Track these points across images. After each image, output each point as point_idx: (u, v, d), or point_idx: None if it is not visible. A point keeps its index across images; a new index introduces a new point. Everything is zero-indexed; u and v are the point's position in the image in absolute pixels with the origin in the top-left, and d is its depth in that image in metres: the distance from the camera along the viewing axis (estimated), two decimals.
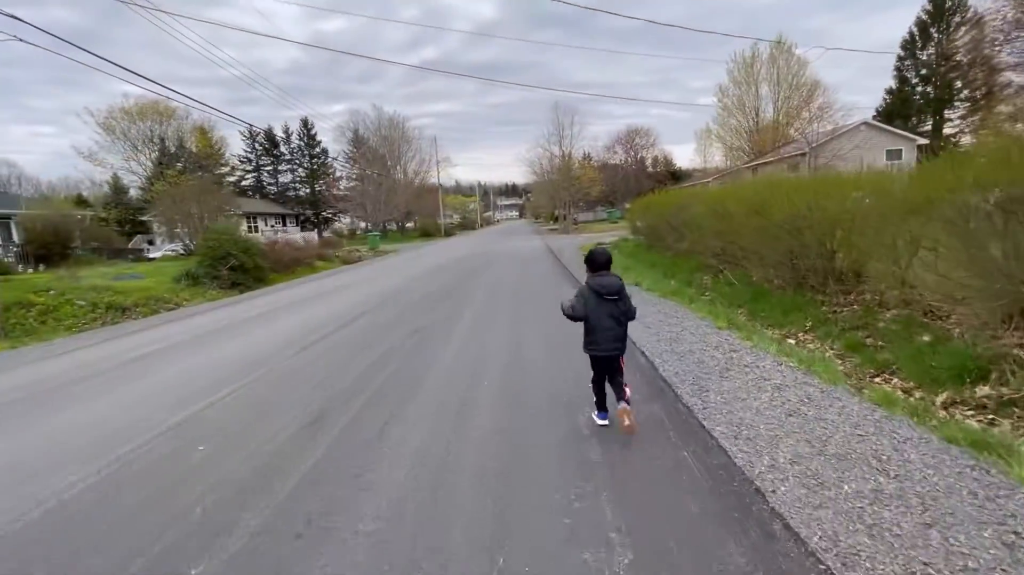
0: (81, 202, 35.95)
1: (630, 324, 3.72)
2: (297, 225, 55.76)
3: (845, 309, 6.45)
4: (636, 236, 21.67)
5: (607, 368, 3.69)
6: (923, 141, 35.80)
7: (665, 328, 6.49)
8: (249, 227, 44.72)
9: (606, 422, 3.71)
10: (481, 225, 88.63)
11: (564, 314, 3.76)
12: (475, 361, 5.63)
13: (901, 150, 35.44)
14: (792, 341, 6.17)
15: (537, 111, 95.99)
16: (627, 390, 3.66)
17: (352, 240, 32.20)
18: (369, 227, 51.71)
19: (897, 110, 47.46)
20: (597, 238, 25.88)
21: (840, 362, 5.18)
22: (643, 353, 5.56)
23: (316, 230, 53.78)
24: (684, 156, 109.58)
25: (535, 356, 5.72)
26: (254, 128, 55.62)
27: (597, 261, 3.79)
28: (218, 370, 6.03)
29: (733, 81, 48.92)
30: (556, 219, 52.33)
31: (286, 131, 58.59)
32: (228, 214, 28.01)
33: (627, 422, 3.39)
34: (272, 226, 49.11)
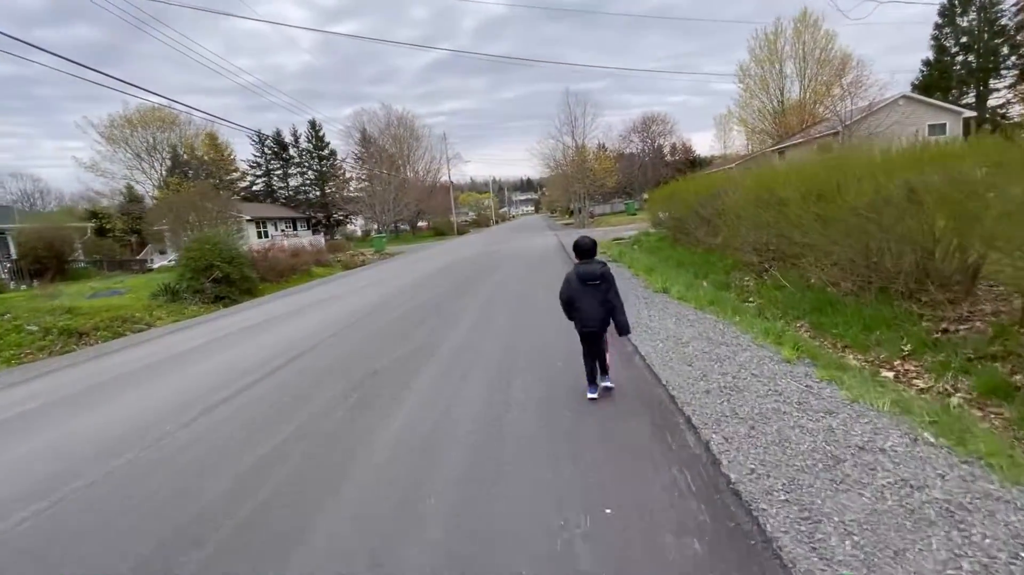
0: (94, 214, 35.58)
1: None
2: (308, 229, 55.07)
3: (961, 327, 4.69)
4: (658, 229, 19.82)
5: (594, 342, 4.13)
6: (969, 114, 32.92)
7: (714, 366, 4.65)
8: (258, 232, 44.06)
9: (595, 395, 4.16)
10: (496, 221, 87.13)
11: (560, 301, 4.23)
12: (424, 450, 3.60)
13: (945, 124, 32.67)
14: (889, 373, 4.44)
15: (550, 105, 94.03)
16: (609, 357, 4.35)
17: (362, 243, 31.04)
18: (379, 228, 50.66)
19: (935, 82, 44.26)
20: (614, 232, 24.05)
21: (982, 414, 3.47)
22: (692, 424, 3.51)
23: (325, 233, 52.98)
24: (703, 143, 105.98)
25: (523, 448, 3.47)
26: (262, 133, 55.08)
27: (582, 249, 4.16)
28: (73, 455, 4.21)
29: (755, 60, 46.19)
30: (571, 213, 50.44)
31: (294, 134, 57.87)
32: (229, 219, 27.06)
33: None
34: (282, 230, 48.36)
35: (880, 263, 5.60)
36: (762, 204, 8.19)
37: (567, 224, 45.09)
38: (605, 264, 4.11)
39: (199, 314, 12.84)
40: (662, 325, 6.14)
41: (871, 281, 5.73)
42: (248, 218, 42.36)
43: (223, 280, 14.43)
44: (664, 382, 4.32)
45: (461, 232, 55.89)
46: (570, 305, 4.09)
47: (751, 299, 7.96)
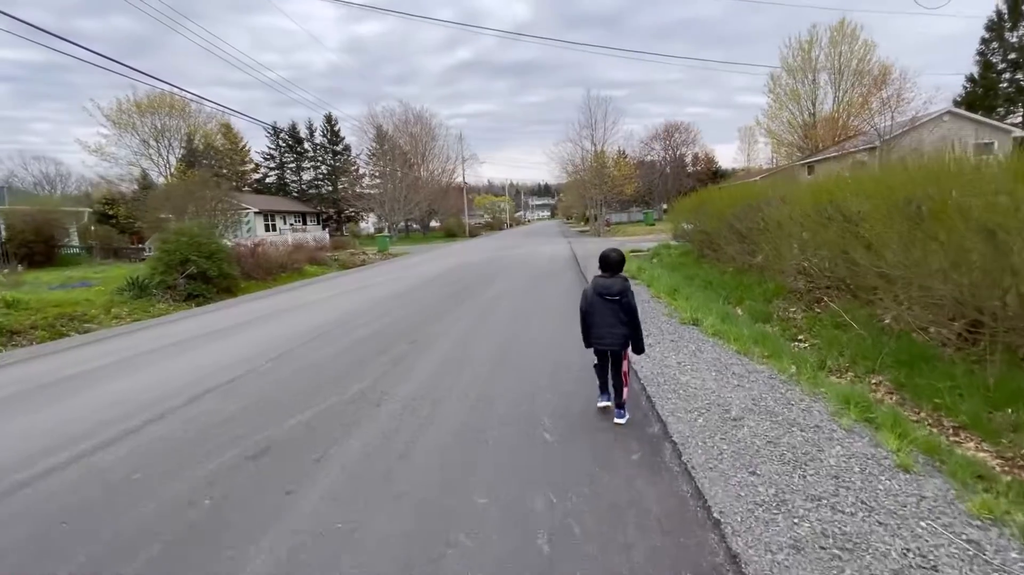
0: (107, 200, 34.90)
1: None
2: (318, 224, 54.28)
3: None
4: (680, 242, 18.16)
5: (608, 360, 3.88)
6: (1020, 133, 30.69)
7: (793, 476, 2.89)
8: (266, 225, 43.27)
9: (607, 403, 3.99)
10: (511, 225, 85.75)
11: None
12: None
13: (993, 143, 30.45)
14: None
15: (572, 111, 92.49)
16: (626, 391, 3.87)
17: (370, 241, 29.80)
18: (388, 227, 49.57)
19: (979, 100, 41.88)
20: (632, 243, 22.42)
21: None
22: None
23: (335, 229, 52.14)
24: (725, 156, 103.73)
25: None
26: (277, 126, 54.52)
27: (608, 261, 3.83)
28: None
29: (787, 69, 44.26)
30: (587, 220, 48.80)
31: (310, 128, 57.24)
32: (228, 210, 26.03)
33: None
34: (291, 224, 47.57)
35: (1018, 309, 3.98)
36: (821, 219, 6.58)
37: (582, 231, 43.47)
38: (627, 279, 3.82)
39: (165, 313, 11.55)
40: (698, 382, 4.54)
41: (993, 335, 4.11)
42: (256, 210, 41.59)
43: (199, 276, 13.14)
44: (717, 515, 2.58)
45: (473, 234, 54.60)
46: (585, 319, 3.83)
47: (800, 338, 6.37)
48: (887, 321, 5.59)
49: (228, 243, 16.23)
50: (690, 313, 6.82)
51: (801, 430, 3.46)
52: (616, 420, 3.78)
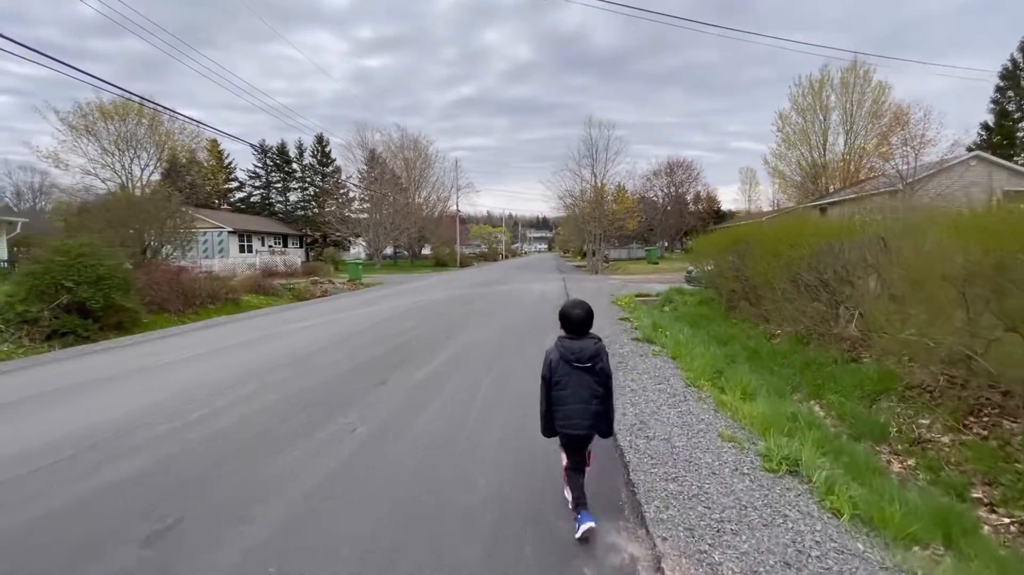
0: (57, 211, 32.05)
1: None
2: (301, 247, 51.46)
3: None
4: (694, 286, 15.23)
5: (578, 447, 2.91)
6: None
7: None
8: (241, 246, 40.35)
9: (592, 524, 2.65)
10: (506, 256, 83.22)
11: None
12: None
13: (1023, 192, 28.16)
14: None
15: (570, 147, 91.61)
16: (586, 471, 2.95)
17: (353, 267, 26.78)
18: (373, 253, 46.79)
19: (996, 148, 40.26)
20: (635, 284, 19.48)
21: None
22: None
23: (316, 254, 49.30)
24: (724, 198, 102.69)
25: None
26: (264, 143, 52.36)
27: (572, 321, 2.87)
28: None
29: (797, 109, 42.61)
30: (584, 255, 46.14)
31: (299, 148, 55.12)
32: (183, 227, 23.09)
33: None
34: (270, 246, 44.72)
35: None
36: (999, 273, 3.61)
37: (578, 267, 40.68)
38: (600, 340, 2.88)
39: (8, 357, 8.37)
40: None
41: None
42: (230, 230, 38.75)
43: (75, 308, 10.00)
44: None
45: (464, 264, 51.79)
46: (549, 394, 2.83)
47: (971, 483, 3.33)
48: None
49: (129, 265, 13.15)
50: (772, 441, 3.69)
51: None
52: (583, 526, 2.64)
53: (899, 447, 4.49)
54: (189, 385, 5.61)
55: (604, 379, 2.82)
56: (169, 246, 22.55)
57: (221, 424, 4.36)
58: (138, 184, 30.70)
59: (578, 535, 2.66)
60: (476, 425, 4.16)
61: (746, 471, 3.18)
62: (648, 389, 4.97)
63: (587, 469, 2.95)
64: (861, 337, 5.55)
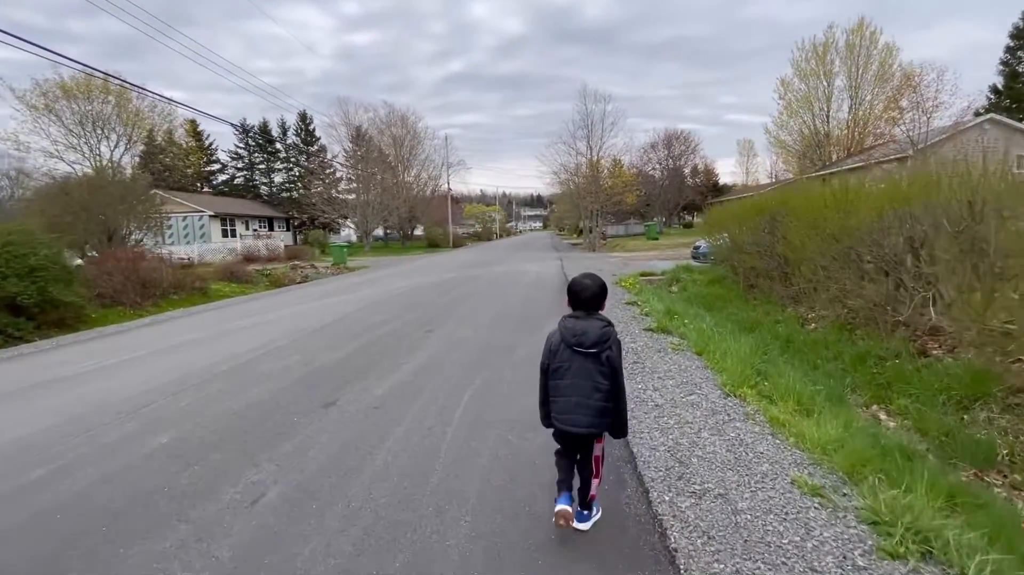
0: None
1: None
2: (288, 229, 49.83)
3: None
4: (702, 262, 14.04)
5: (575, 450, 2.49)
6: None
7: None
8: (224, 231, 38.74)
9: (565, 506, 2.37)
10: (500, 236, 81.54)
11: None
12: None
13: None
14: None
15: (563, 122, 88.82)
16: (596, 483, 2.51)
17: (339, 249, 25.34)
18: (362, 235, 45.28)
19: (1004, 113, 38.82)
20: (636, 262, 18.27)
21: None
22: None
23: (294, 237, 47.78)
24: (720, 171, 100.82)
25: None
26: (246, 123, 50.17)
27: (579, 296, 2.44)
28: None
29: (799, 74, 40.85)
30: (580, 232, 44.75)
31: (282, 127, 52.94)
32: (152, 211, 21.62)
33: (562, 522, 2.35)
34: (254, 230, 43.12)
35: None
36: None
37: (574, 245, 39.32)
38: (610, 324, 2.40)
39: None
40: None
41: None
42: (211, 213, 37.08)
43: (6, 305, 8.75)
44: None
45: (457, 244, 50.38)
46: (547, 382, 2.43)
47: None
48: None
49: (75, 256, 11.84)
50: (871, 491, 2.52)
51: None
52: (576, 525, 2.44)
53: (1017, 477, 3.37)
54: (76, 411, 4.35)
55: (610, 371, 2.32)
56: (138, 232, 21.13)
57: (58, 497, 2.91)
58: (108, 166, 28.90)
59: (556, 509, 2.35)
60: (447, 478, 2.93)
61: (860, 562, 2.01)
62: (678, 403, 3.80)
63: (595, 481, 2.49)
64: (931, 326, 4.38)
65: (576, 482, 2.50)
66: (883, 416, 4.52)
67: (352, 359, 5.71)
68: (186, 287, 13.37)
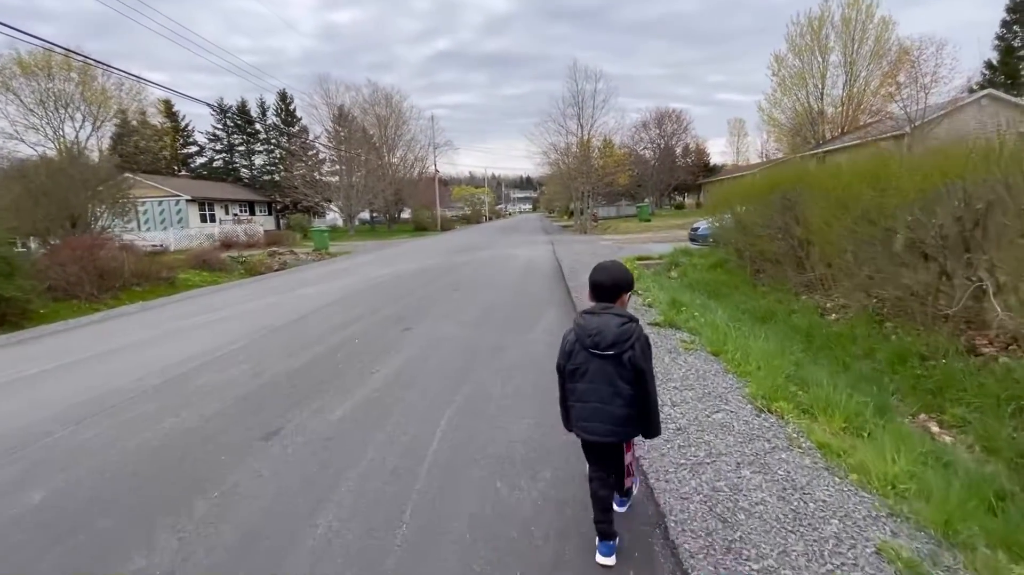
0: None
1: None
2: (271, 214, 48.33)
3: None
4: (701, 244, 13.35)
5: (604, 457, 2.15)
6: None
7: None
8: (202, 215, 37.29)
9: (611, 561, 2.04)
10: (489, 218, 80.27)
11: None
12: None
13: None
14: None
15: (553, 102, 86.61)
16: (630, 481, 2.31)
17: (321, 234, 24.25)
18: (347, 219, 44.06)
19: (998, 89, 38.36)
20: (632, 246, 17.56)
21: None
22: None
23: (277, 221, 46.43)
24: (711, 151, 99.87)
25: None
26: (223, 103, 48.14)
27: (601, 283, 2.11)
28: None
29: (794, 50, 39.97)
30: (571, 214, 43.86)
31: (261, 107, 50.94)
32: (119, 195, 20.41)
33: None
34: (235, 215, 41.61)
35: None
36: None
37: (565, 227, 38.46)
38: (632, 320, 2.03)
39: None
40: None
41: None
42: (188, 198, 35.60)
43: None
44: None
45: (445, 228, 49.31)
46: (564, 386, 2.17)
47: None
48: None
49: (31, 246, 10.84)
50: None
51: None
52: (617, 507, 2.29)
53: None
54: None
55: (636, 375, 1.99)
56: (106, 218, 19.94)
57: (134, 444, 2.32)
58: (73, 148, 27.35)
59: (599, 562, 2.05)
60: (411, 558, 2.16)
61: None
62: (704, 424, 3.09)
63: (631, 489, 2.29)
64: (978, 321, 3.72)
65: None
66: (935, 428, 3.87)
67: (312, 368, 4.90)
68: (151, 277, 12.41)
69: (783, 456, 2.72)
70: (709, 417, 3.21)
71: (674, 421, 3.17)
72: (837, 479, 2.52)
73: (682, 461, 2.68)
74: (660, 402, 3.51)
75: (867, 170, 4.79)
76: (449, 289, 9.59)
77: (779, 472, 2.55)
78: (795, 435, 3.00)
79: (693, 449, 2.81)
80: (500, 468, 2.81)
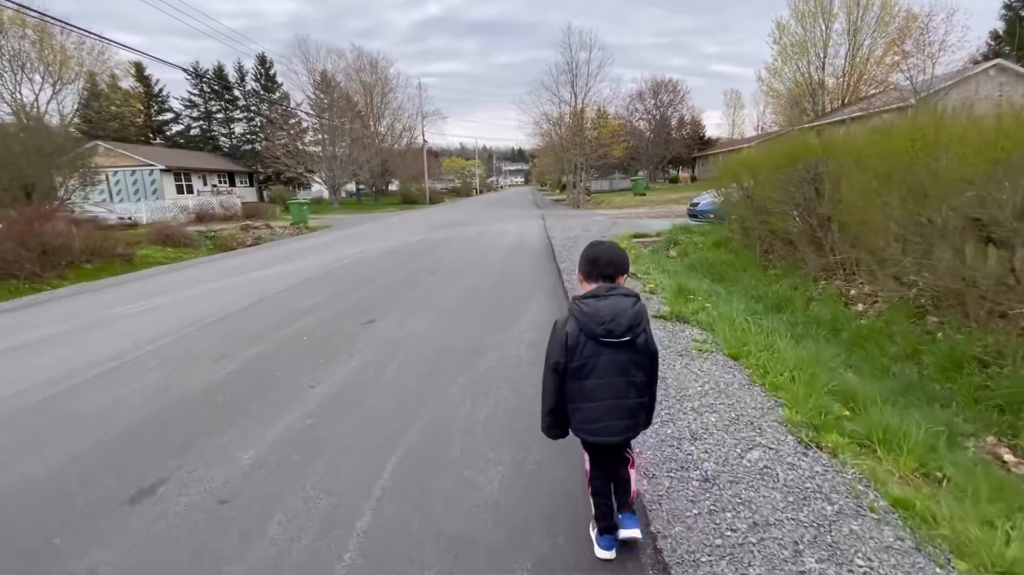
0: None
1: None
2: (252, 185, 46.51)
3: None
4: (701, 221, 12.50)
5: (611, 459, 2.01)
6: None
7: None
8: (179, 187, 35.62)
9: (611, 555, 1.96)
10: (480, 191, 78.54)
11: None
12: None
13: None
14: None
15: (547, 66, 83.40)
16: (634, 477, 2.08)
17: (302, 206, 22.98)
18: (331, 190, 42.52)
19: (1008, 58, 37.37)
20: (626, 221, 16.68)
21: None
22: None
23: (259, 192, 44.75)
24: (706, 123, 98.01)
25: None
26: (198, 66, 45.57)
27: (599, 261, 1.90)
28: None
29: (796, 16, 38.54)
30: (563, 187, 42.64)
31: (240, 71, 48.43)
32: (81, 168, 19.07)
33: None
34: (213, 185, 39.87)
35: None
36: None
37: (557, 200, 37.33)
38: (638, 298, 1.85)
39: None
40: None
41: None
42: (163, 167, 33.90)
43: None
44: None
45: (435, 201, 47.88)
46: (561, 386, 1.85)
47: None
48: None
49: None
50: None
51: None
52: (628, 533, 1.94)
53: None
54: None
55: (648, 359, 1.82)
56: (71, 189, 18.63)
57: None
58: (33, 111, 25.57)
59: (598, 555, 1.94)
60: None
61: None
62: (739, 472, 2.29)
63: (632, 471, 2.02)
64: None
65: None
66: (1009, 457, 3.13)
67: (238, 379, 3.96)
68: (106, 253, 11.35)
69: (855, 528, 1.94)
70: (743, 458, 2.41)
71: (698, 466, 2.36)
72: (939, 570, 1.75)
73: (717, 540, 1.88)
74: (680, 433, 2.72)
75: (925, 136, 3.92)
76: (428, 270, 8.68)
77: (857, 561, 1.76)
78: (860, 487, 2.22)
79: (729, 516, 2.01)
80: (457, 565, 1.95)
